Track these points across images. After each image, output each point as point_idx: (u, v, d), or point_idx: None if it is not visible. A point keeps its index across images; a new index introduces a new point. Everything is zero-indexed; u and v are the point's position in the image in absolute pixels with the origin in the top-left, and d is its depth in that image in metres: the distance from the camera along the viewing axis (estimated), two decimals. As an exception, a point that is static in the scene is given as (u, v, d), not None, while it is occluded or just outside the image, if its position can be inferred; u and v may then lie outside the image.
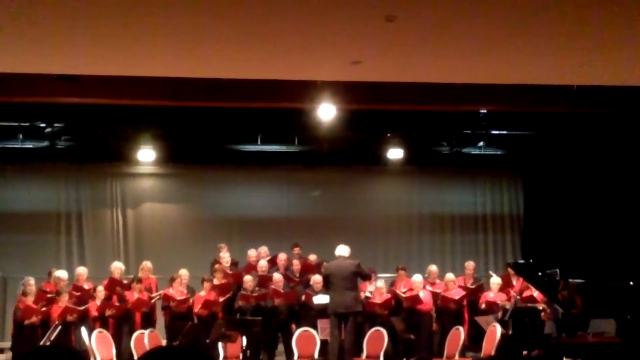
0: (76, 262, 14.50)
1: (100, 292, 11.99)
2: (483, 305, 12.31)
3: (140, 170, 15.56)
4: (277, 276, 12.50)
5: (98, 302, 11.90)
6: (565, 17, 6.61)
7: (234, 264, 13.33)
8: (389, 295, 12.39)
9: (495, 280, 12.63)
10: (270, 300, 12.25)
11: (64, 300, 11.65)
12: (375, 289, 12.49)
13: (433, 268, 13.31)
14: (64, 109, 12.56)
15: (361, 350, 11.90)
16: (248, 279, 12.40)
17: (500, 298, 12.24)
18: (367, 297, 12.31)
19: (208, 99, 10.83)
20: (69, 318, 11.45)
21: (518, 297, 11.23)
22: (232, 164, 15.35)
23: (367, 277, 12.18)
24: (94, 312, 11.83)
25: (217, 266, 12.79)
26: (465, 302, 12.60)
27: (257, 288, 12.44)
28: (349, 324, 11.46)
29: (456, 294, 12.52)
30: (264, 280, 12.56)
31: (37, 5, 6.25)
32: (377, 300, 12.27)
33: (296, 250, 13.55)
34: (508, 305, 11.72)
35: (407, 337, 11.84)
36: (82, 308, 11.62)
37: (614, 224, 13.82)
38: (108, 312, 11.86)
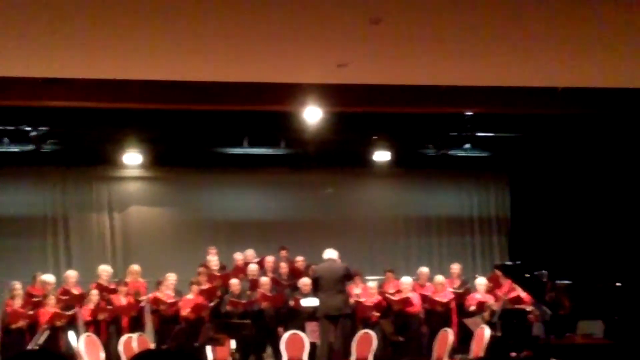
0: (63, 266, 14.42)
1: (94, 295, 11.95)
2: (472, 307, 12.32)
3: (126, 174, 15.47)
4: (264, 279, 12.48)
5: (91, 306, 11.86)
6: (550, 20, 6.62)
7: (221, 267, 13.30)
8: (380, 297, 12.39)
9: (481, 282, 12.65)
10: (257, 303, 12.24)
11: (52, 304, 11.60)
12: (366, 291, 12.49)
13: (424, 270, 13.31)
14: (49, 112, 12.46)
15: (350, 353, 11.90)
16: (235, 282, 12.37)
17: (487, 299, 12.25)
18: (357, 301, 12.28)
19: (194, 102, 10.79)
20: (58, 323, 11.41)
21: (506, 299, 11.25)
22: (218, 167, 15.27)
23: (350, 277, 12.17)
24: (87, 317, 11.80)
25: (200, 269, 12.77)
26: (453, 305, 12.62)
27: (248, 292, 12.41)
28: (339, 327, 11.45)
29: (444, 296, 12.53)
30: (254, 284, 12.53)
31: (21, 8, 6.22)
32: (369, 302, 12.27)
33: (283, 253, 13.53)
34: (494, 306, 11.76)
35: (396, 339, 11.85)
36: (70, 313, 11.57)
37: (601, 225, 13.85)
38: (101, 316, 11.82)
